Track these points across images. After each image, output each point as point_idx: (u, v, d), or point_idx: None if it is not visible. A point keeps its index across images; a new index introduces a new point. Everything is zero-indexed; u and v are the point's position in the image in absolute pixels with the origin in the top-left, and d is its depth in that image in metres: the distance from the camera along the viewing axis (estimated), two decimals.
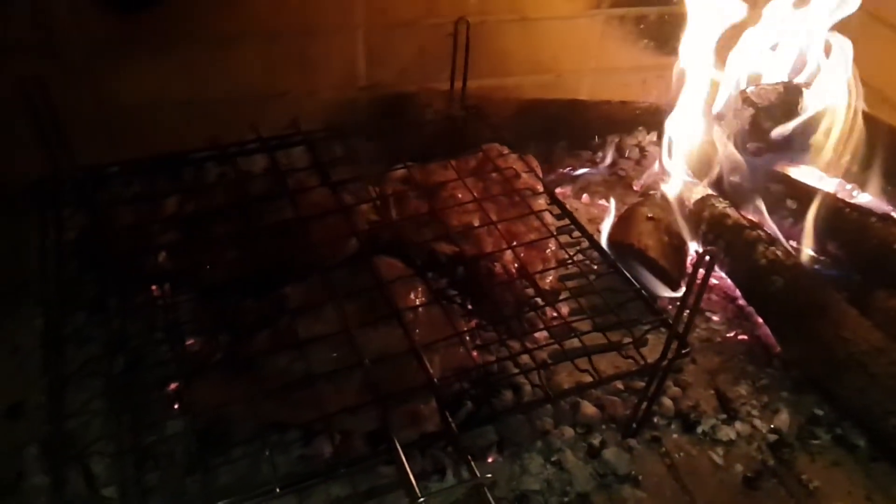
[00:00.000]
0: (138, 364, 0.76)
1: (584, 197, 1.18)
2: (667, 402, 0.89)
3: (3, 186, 1.08)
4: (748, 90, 1.02)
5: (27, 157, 1.02)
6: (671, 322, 0.78)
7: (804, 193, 1.02)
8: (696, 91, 1.04)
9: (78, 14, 0.99)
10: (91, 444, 0.76)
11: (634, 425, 0.84)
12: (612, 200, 1.03)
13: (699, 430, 0.87)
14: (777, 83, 1.04)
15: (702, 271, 0.68)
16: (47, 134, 0.85)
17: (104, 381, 0.85)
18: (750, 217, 1.01)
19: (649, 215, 1.00)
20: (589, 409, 0.87)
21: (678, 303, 0.98)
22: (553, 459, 0.82)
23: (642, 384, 0.91)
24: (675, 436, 0.86)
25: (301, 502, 0.77)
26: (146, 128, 1.10)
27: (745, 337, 0.99)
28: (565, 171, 1.16)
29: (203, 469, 0.75)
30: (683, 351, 0.76)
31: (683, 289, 1.00)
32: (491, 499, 0.64)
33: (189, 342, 0.76)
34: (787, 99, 1.02)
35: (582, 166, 1.16)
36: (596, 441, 0.84)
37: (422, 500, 0.62)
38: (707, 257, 0.68)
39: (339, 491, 0.78)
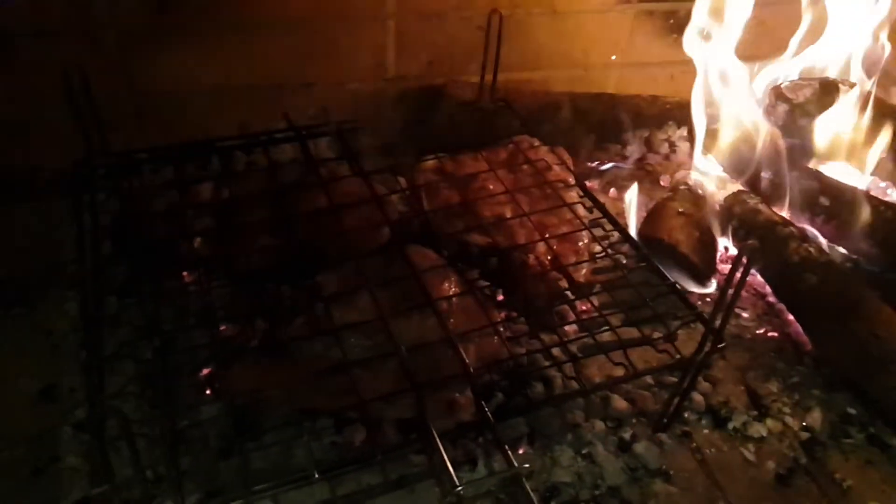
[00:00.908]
0: (172, 348, 0.77)
1: (612, 191, 1.17)
2: (697, 397, 0.88)
3: (34, 172, 1.09)
4: (782, 85, 1.01)
5: (58, 143, 1.04)
6: (706, 317, 0.79)
7: (837, 191, 1.01)
8: (728, 86, 1.03)
9: (114, 1, 0.99)
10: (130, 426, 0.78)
11: (665, 420, 0.84)
12: (637, 195, 1.02)
13: (730, 426, 0.86)
14: (812, 78, 1.03)
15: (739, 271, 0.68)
16: (85, 120, 0.86)
17: (137, 364, 0.86)
18: (782, 214, 1.00)
19: (680, 210, 1.00)
20: (619, 402, 0.86)
21: (708, 298, 1.00)
22: (584, 452, 0.82)
23: (672, 379, 0.92)
24: (705, 431, 0.86)
25: (333, 489, 0.77)
26: (175, 115, 1.10)
27: (775, 334, 0.98)
28: (593, 164, 1.15)
29: (238, 453, 0.75)
30: (719, 346, 0.76)
31: (713, 284, 1.01)
32: (528, 488, 0.64)
33: (224, 328, 0.76)
34: (823, 94, 1.01)
35: (610, 160, 1.15)
36: (626, 435, 0.84)
37: (460, 488, 0.62)
38: (745, 253, 0.68)
39: (370, 479, 0.78)
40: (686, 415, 0.87)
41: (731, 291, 0.71)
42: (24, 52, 1.01)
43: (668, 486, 0.80)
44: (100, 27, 1.01)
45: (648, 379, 0.88)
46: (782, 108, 1.00)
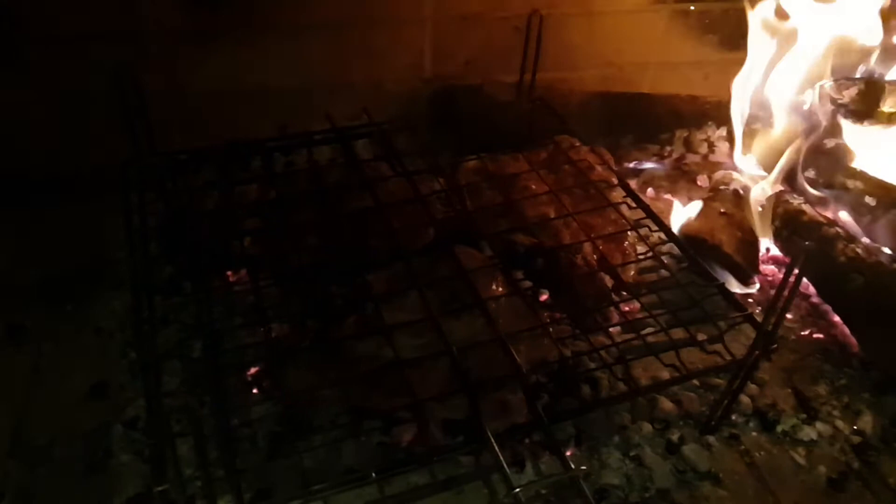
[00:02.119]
0: (221, 348, 0.77)
1: (650, 191, 1.16)
2: (744, 399, 0.87)
3: (79, 172, 1.11)
4: (826, 85, 1.00)
5: (103, 143, 1.05)
6: (755, 318, 0.78)
7: (883, 190, 1.00)
8: (771, 85, 1.02)
9: (160, 3, 1.01)
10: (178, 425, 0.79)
11: (713, 422, 0.83)
12: (683, 194, 1.02)
13: (778, 429, 0.85)
14: (858, 78, 1.02)
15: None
16: (133, 120, 0.87)
17: (185, 363, 0.87)
18: (826, 214, 0.99)
19: (722, 210, 0.99)
20: (666, 404, 0.86)
21: (749, 299, 0.99)
22: (632, 454, 0.81)
23: (718, 381, 0.92)
24: (753, 434, 0.85)
25: (382, 489, 0.77)
26: (215, 116, 1.11)
27: (821, 335, 0.97)
28: (630, 164, 1.15)
29: (288, 454, 0.75)
30: (771, 347, 0.76)
31: (756, 285, 1.00)
32: (587, 490, 0.64)
33: (275, 327, 0.77)
34: (869, 94, 1.00)
35: (648, 160, 1.15)
36: (674, 437, 0.83)
37: (518, 489, 0.62)
38: (802, 255, 0.67)
39: (418, 479, 0.79)
40: (733, 417, 0.86)
41: (785, 293, 0.70)
42: (71, 54, 1.02)
43: (717, 490, 0.79)
44: (144, 29, 1.02)
45: (694, 380, 0.88)
46: (826, 107, 0.99)
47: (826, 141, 0.98)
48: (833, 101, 0.99)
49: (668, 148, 1.14)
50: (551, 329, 0.76)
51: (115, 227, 1.06)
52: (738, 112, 1.04)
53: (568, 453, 0.81)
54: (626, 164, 1.15)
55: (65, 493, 0.75)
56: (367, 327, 0.74)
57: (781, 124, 1.03)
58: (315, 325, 0.74)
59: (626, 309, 0.85)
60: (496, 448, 0.64)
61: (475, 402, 0.67)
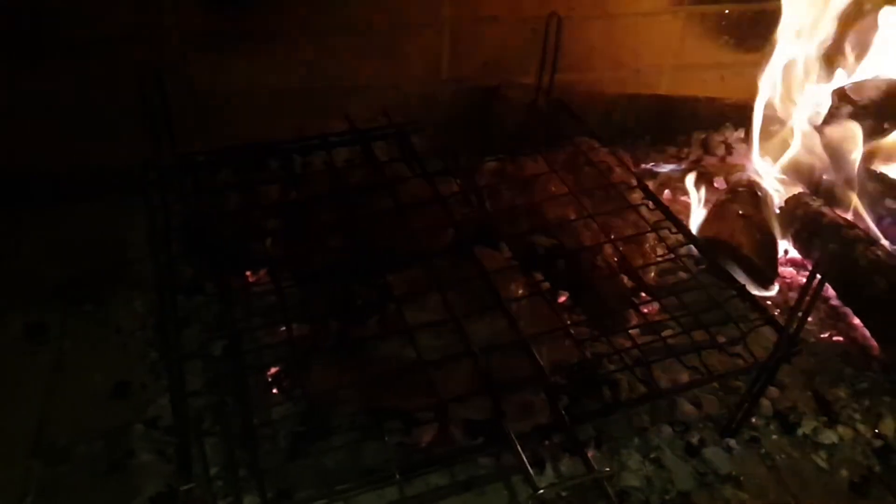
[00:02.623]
0: (241, 347, 0.77)
1: (666, 193, 1.16)
2: (764, 402, 0.87)
3: (98, 172, 1.11)
4: (846, 86, 0.99)
5: (122, 143, 1.06)
6: (777, 320, 0.78)
7: None
8: (790, 87, 1.02)
9: (179, 7, 1.01)
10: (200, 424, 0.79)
11: (734, 424, 0.83)
12: (700, 195, 1.02)
13: (799, 432, 0.85)
14: (878, 79, 1.01)
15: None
16: (156, 122, 0.87)
17: (206, 363, 0.88)
18: (846, 217, 0.99)
19: (740, 212, 0.99)
20: (686, 406, 0.86)
21: (768, 301, 0.98)
22: (652, 456, 0.81)
23: (737, 383, 0.91)
24: (774, 437, 0.85)
25: (402, 490, 0.77)
26: (235, 117, 1.12)
27: (841, 338, 0.96)
28: (647, 165, 1.15)
29: (308, 454, 0.76)
30: (794, 350, 0.75)
31: (776, 287, 0.99)
32: (611, 492, 0.63)
33: (298, 327, 0.77)
34: (890, 96, 0.99)
35: (666, 162, 1.14)
36: (694, 439, 0.83)
37: (541, 490, 0.62)
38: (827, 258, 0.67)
39: (438, 480, 0.79)
40: (753, 420, 0.86)
41: (808, 297, 0.70)
42: (92, 55, 1.03)
43: (739, 493, 0.79)
44: (165, 31, 1.03)
45: (714, 383, 0.88)
46: (846, 109, 0.99)
47: (844, 142, 0.98)
48: (852, 102, 0.99)
49: (686, 150, 1.14)
50: (572, 331, 0.77)
51: (135, 227, 1.08)
52: (758, 113, 1.03)
53: (588, 454, 0.81)
54: (643, 166, 1.15)
55: (87, 492, 0.75)
56: (389, 328, 0.75)
57: (801, 126, 1.03)
58: (337, 325, 0.74)
59: (646, 311, 0.85)
60: (519, 449, 0.65)
61: (498, 404, 0.68)
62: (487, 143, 1.04)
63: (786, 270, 1.05)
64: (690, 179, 1.04)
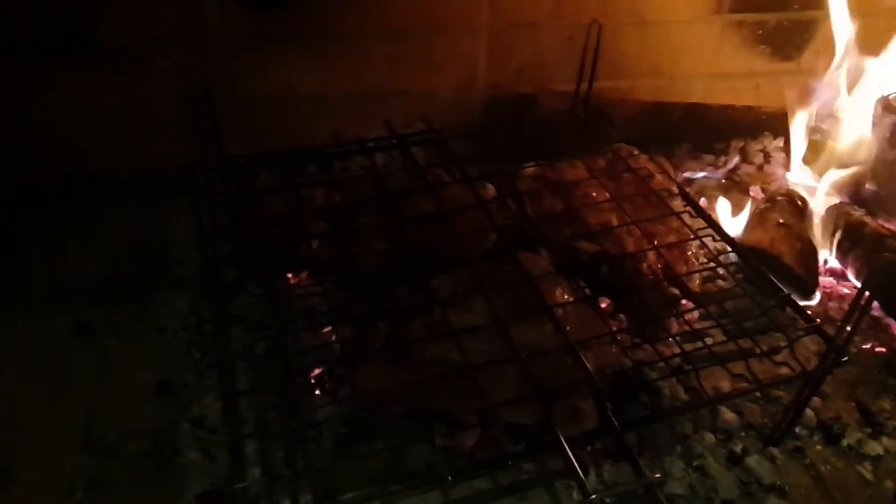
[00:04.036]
0: (292, 349, 0.78)
1: (702, 201, 1.15)
2: (808, 412, 0.86)
3: (142, 175, 1.14)
4: (890, 96, 0.99)
5: (165, 146, 1.08)
6: (824, 330, 0.77)
7: None
8: (833, 96, 1.01)
9: (223, 10, 1.03)
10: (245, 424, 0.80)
11: (778, 434, 0.82)
12: (739, 204, 1.02)
13: (843, 442, 0.84)
14: None
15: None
16: (202, 125, 0.88)
17: (251, 363, 0.89)
18: (889, 226, 0.98)
19: (780, 221, 0.98)
20: (728, 414, 0.85)
21: (808, 311, 0.97)
22: (695, 464, 0.81)
23: (779, 392, 0.91)
24: (818, 447, 0.84)
25: (446, 493, 0.78)
26: (273, 121, 1.14)
27: (883, 349, 0.95)
28: (684, 174, 1.14)
29: (357, 454, 0.76)
30: (842, 360, 0.75)
31: (817, 297, 0.99)
32: (662, 497, 0.63)
33: (343, 328, 0.78)
34: None
35: (703, 169, 1.14)
36: (737, 448, 0.82)
37: (594, 496, 0.62)
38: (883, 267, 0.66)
39: (481, 484, 0.79)
40: (797, 430, 0.85)
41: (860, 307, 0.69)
42: (136, 59, 1.05)
43: (783, 503, 0.79)
44: (209, 36, 1.05)
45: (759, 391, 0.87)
46: (890, 119, 0.98)
47: (889, 152, 0.97)
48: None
49: (723, 158, 1.14)
50: (619, 337, 0.77)
51: (177, 228, 1.10)
52: (800, 122, 1.03)
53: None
54: (679, 173, 1.15)
55: (135, 489, 0.77)
56: (435, 331, 0.75)
57: (844, 135, 1.02)
58: (385, 327, 0.75)
59: (689, 318, 0.85)
60: (570, 454, 0.65)
61: (548, 408, 0.68)
62: (524, 150, 1.04)
63: (825, 280, 1.05)
64: (729, 187, 1.04)
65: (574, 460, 0.65)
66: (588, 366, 0.71)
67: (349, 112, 1.14)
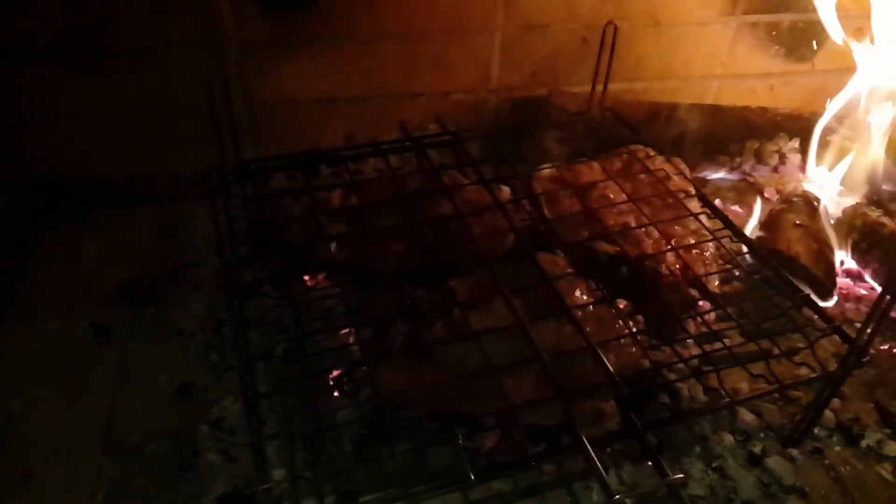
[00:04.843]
0: (305, 351, 0.78)
1: (717, 202, 1.15)
2: (826, 413, 0.86)
3: (158, 178, 1.14)
4: None
5: (180, 150, 1.08)
6: (844, 331, 0.77)
7: None
8: (849, 97, 1.01)
9: (238, 13, 1.03)
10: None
11: (797, 435, 0.82)
12: (754, 205, 1.01)
13: (863, 443, 0.84)
14: None
15: None
16: (222, 129, 0.89)
17: (269, 365, 0.89)
18: None
19: (797, 222, 0.98)
20: (747, 415, 0.85)
21: (823, 310, 0.96)
22: (714, 465, 0.81)
23: (797, 393, 0.91)
24: (837, 448, 0.84)
25: (466, 495, 0.78)
26: (286, 123, 1.14)
27: None
28: (699, 175, 1.14)
29: (378, 456, 0.76)
30: (863, 361, 0.75)
31: (835, 298, 0.98)
32: (686, 497, 0.63)
33: (363, 330, 0.78)
34: None
35: (717, 171, 1.14)
36: (756, 449, 0.82)
37: (618, 497, 0.62)
38: None
39: (501, 485, 0.79)
40: (816, 430, 0.85)
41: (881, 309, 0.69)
42: (152, 63, 1.06)
43: None
44: (224, 40, 1.05)
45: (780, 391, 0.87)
46: None
47: None
48: None
49: (738, 159, 1.13)
50: (640, 338, 0.77)
51: (192, 231, 1.11)
52: (818, 123, 1.03)
53: (650, 462, 0.82)
54: (694, 175, 1.15)
55: (157, 490, 0.77)
56: (455, 332, 0.75)
57: (860, 136, 1.02)
58: (405, 328, 0.75)
59: (707, 319, 0.85)
60: (593, 455, 0.65)
61: (570, 409, 0.68)
62: (539, 151, 1.04)
63: (842, 281, 1.04)
64: (743, 188, 1.04)
65: (597, 460, 0.65)
66: (609, 367, 0.71)
67: (363, 114, 1.14)
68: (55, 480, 0.77)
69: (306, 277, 0.94)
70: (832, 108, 1.01)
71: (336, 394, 0.84)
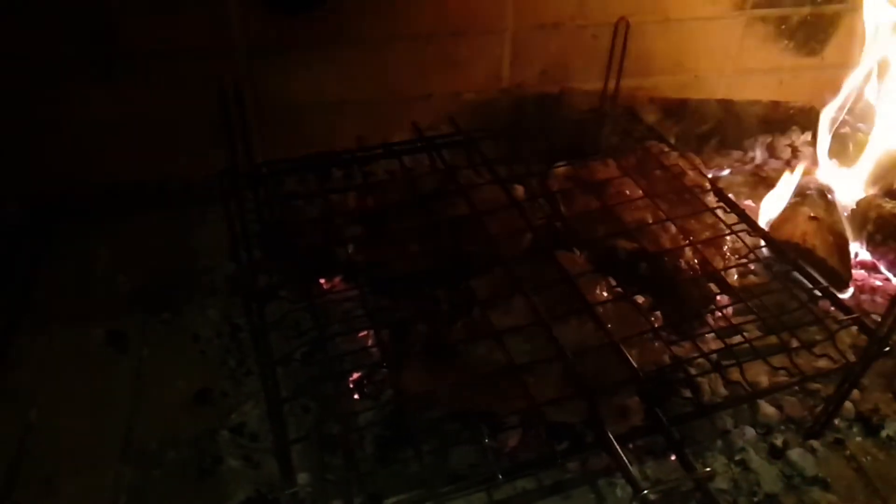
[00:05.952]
0: (325, 353, 0.78)
1: (730, 196, 1.15)
2: (846, 404, 0.86)
3: (170, 183, 1.14)
4: None
5: (193, 155, 1.08)
6: (865, 322, 0.77)
7: None
8: (861, 90, 1.01)
9: (248, 17, 1.03)
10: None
11: (818, 427, 0.82)
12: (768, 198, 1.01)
13: (883, 434, 0.84)
14: None
15: None
16: (234, 133, 0.88)
17: (288, 369, 0.88)
18: None
19: (812, 215, 0.98)
20: (768, 408, 0.85)
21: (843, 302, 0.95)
22: (736, 459, 0.81)
23: (816, 385, 0.91)
24: (858, 439, 0.84)
25: (490, 494, 0.78)
26: (297, 126, 1.14)
27: None
28: (712, 170, 1.14)
29: (401, 458, 0.76)
30: (884, 350, 0.75)
31: (851, 289, 0.98)
32: (713, 491, 0.63)
33: (383, 332, 0.78)
34: None
35: (730, 165, 1.14)
36: (778, 441, 0.82)
37: (646, 492, 0.62)
38: None
39: (525, 484, 0.79)
40: (836, 422, 0.85)
41: None
42: (162, 68, 1.05)
43: (827, 495, 0.78)
44: (234, 42, 1.05)
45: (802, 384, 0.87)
46: None
47: None
48: None
49: (751, 153, 1.13)
50: (662, 333, 0.76)
51: (205, 236, 1.11)
52: (828, 116, 1.03)
53: (672, 457, 0.81)
54: (707, 170, 1.14)
55: (178, 497, 0.77)
56: (476, 332, 0.75)
57: (874, 128, 1.02)
58: (426, 329, 0.75)
59: (726, 313, 0.85)
60: (620, 451, 0.65)
61: (595, 407, 0.68)
62: (552, 149, 1.04)
63: (857, 273, 1.04)
64: (756, 183, 1.04)
65: (623, 457, 0.65)
66: (633, 363, 0.71)
67: (373, 116, 1.14)
68: (75, 489, 0.77)
69: (322, 280, 0.94)
70: (842, 94, 1.01)
71: (357, 396, 0.84)
